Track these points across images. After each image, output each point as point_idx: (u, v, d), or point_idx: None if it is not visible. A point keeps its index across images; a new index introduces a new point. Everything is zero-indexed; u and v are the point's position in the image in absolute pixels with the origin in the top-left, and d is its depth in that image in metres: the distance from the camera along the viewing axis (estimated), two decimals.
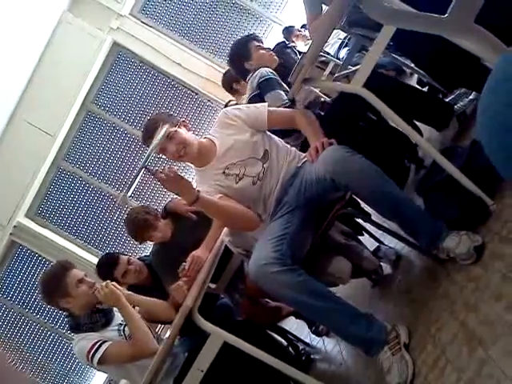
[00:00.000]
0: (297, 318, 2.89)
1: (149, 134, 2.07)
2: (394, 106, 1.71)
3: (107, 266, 2.78)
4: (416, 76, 3.13)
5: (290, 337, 2.91)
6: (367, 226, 2.31)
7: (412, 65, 2.75)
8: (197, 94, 6.20)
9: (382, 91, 1.70)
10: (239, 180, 2.00)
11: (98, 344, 2.15)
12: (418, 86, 2.76)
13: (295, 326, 3.07)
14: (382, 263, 2.22)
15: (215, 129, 2.11)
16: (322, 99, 2.72)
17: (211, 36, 6.33)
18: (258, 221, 1.92)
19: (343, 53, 4.32)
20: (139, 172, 1.83)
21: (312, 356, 2.69)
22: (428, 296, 1.73)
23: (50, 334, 6.51)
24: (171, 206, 2.85)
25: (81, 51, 5.77)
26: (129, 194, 1.94)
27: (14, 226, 6.10)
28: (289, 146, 2.11)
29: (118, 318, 2.36)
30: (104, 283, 2.22)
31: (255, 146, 2.02)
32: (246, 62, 2.79)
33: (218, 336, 1.77)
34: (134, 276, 2.76)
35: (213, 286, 2.56)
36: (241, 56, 2.79)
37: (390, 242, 2.32)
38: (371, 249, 2.27)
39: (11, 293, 6.47)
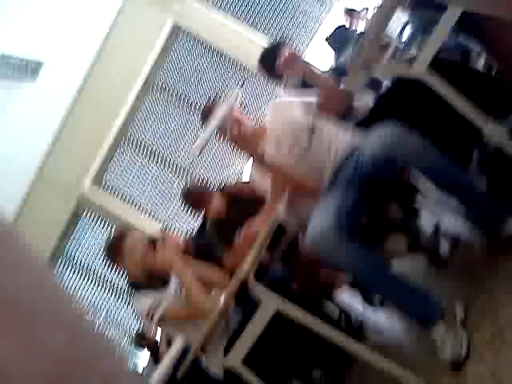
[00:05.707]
0: (351, 287, 2.88)
1: (206, 111, 2.25)
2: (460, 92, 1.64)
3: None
4: (483, 58, 2.97)
5: (343, 306, 2.90)
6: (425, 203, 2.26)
7: (478, 47, 2.62)
8: (257, 76, 6.20)
9: (447, 77, 1.63)
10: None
11: (157, 303, 2.25)
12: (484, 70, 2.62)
13: (349, 295, 3.06)
14: (440, 240, 2.17)
15: (267, 116, 2.24)
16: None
17: (272, 19, 6.27)
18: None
19: (405, 36, 4.17)
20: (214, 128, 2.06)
21: (364, 326, 2.68)
22: (487, 275, 1.69)
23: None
24: (228, 187, 3.02)
25: (143, 33, 5.91)
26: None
27: (80, 194, 6.40)
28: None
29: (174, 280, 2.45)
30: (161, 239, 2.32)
31: (303, 125, 2.09)
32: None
33: (271, 302, 1.81)
34: None
35: (266, 255, 2.60)
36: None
37: (449, 219, 2.27)
38: (430, 226, 2.22)
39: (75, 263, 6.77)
